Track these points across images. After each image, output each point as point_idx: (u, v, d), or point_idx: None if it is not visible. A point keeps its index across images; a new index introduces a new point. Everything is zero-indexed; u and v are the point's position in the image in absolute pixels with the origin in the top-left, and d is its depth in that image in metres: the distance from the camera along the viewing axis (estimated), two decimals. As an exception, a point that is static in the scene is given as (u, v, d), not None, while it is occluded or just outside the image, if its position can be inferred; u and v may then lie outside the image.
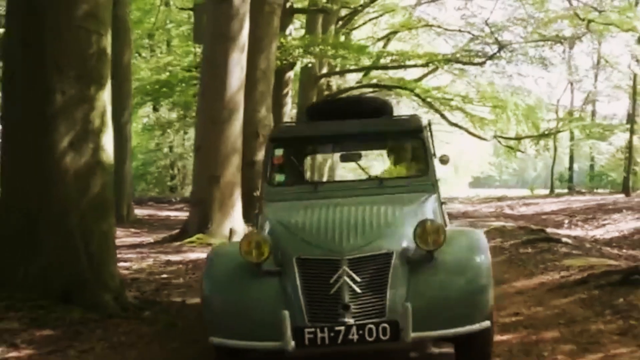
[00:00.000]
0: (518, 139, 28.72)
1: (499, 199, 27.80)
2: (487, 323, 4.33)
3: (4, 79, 6.23)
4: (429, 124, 6.36)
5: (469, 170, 77.20)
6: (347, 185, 6.35)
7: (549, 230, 12.27)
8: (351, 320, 4.08)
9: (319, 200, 5.31)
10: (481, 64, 23.46)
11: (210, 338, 4.38)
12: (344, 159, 7.15)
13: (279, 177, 6.09)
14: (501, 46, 22.22)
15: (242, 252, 4.35)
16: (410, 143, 6.23)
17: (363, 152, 6.80)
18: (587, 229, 13.71)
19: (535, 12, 21.86)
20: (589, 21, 17.20)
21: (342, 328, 4.08)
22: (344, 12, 26.79)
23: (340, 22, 26.93)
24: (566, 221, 14.58)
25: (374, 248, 4.31)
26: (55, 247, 5.84)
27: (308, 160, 8.73)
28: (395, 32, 30.42)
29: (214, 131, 11.35)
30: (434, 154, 5.98)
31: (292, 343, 4.05)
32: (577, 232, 13.18)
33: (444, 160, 6.13)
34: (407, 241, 4.41)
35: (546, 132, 28.12)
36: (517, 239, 10.53)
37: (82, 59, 5.99)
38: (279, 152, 6.04)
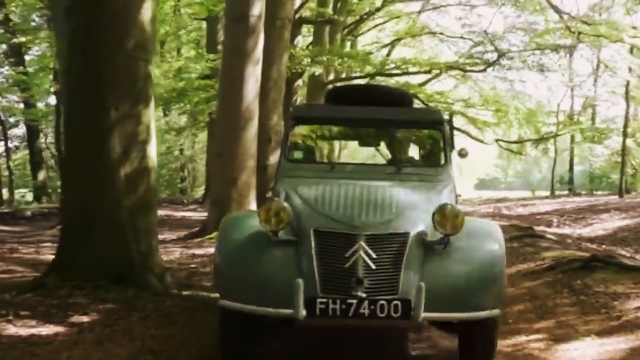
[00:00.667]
0: (517, 142, 29.95)
1: (499, 200, 28.99)
2: (496, 311, 4.45)
3: (68, 97, 7.50)
4: (451, 118, 6.58)
5: (474, 172, 78.21)
6: (364, 168, 6.43)
7: (537, 228, 13.48)
8: (364, 295, 4.17)
9: (337, 178, 5.43)
10: (481, 71, 24.64)
11: (220, 301, 4.47)
12: (362, 143, 7.37)
13: (297, 154, 6.28)
14: (500, 54, 23.35)
15: (261, 219, 4.47)
16: (430, 134, 6.41)
17: (382, 140, 7.03)
18: (575, 227, 14.90)
19: (533, 22, 23.06)
20: (579, 33, 18.41)
21: (355, 301, 4.16)
22: (350, 19, 28.05)
23: (346, 30, 28.13)
24: (555, 220, 15.81)
25: (392, 227, 4.41)
26: (109, 238, 7.09)
27: (326, 141, 9.19)
28: (399, 39, 31.67)
29: (232, 138, 12.58)
30: (453, 147, 6.18)
31: (304, 312, 4.13)
32: (565, 230, 14.38)
33: (462, 154, 6.33)
34: (424, 224, 4.53)
35: (545, 136, 29.26)
36: (506, 235, 11.75)
37: (131, 82, 7.26)
38: (298, 129, 6.25)
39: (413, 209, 4.69)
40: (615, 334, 5.35)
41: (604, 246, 12.04)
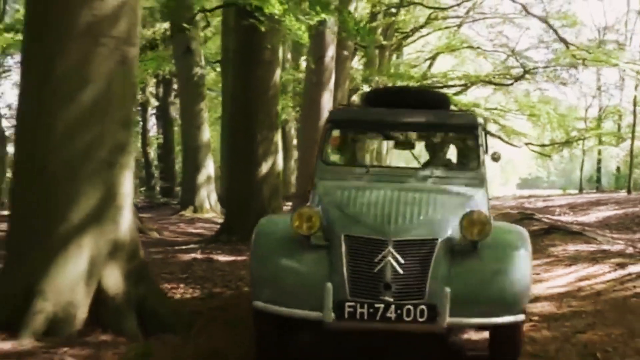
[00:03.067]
0: (545, 145, 34.37)
1: (528, 197, 33.51)
2: (521, 316, 4.64)
3: (230, 124, 12.63)
4: (485, 122, 7.00)
5: (516, 171, 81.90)
6: (399, 171, 6.71)
7: (541, 215, 18.18)
8: (391, 299, 4.39)
9: (370, 182, 5.68)
10: (510, 84, 29.28)
11: (254, 302, 4.73)
12: (397, 146, 7.66)
13: (334, 157, 6.56)
14: (525, 70, 27.98)
15: (294, 224, 4.67)
16: (464, 138, 6.52)
17: (417, 142, 7.32)
18: (574, 216, 19.52)
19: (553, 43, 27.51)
20: (584, 59, 23.00)
21: (382, 305, 4.38)
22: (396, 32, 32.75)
23: (394, 46, 32.90)
24: (558, 210, 20.50)
25: (420, 233, 4.59)
26: (256, 213, 12.12)
27: (362, 144, 9.37)
28: (440, 53, 36.30)
29: (311, 147, 17.63)
30: (486, 151, 6.36)
31: (333, 315, 4.38)
32: (565, 218, 19.03)
33: (495, 158, 6.49)
34: (452, 230, 4.68)
35: (569, 140, 33.67)
36: (512, 218, 16.59)
37: (268, 117, 12.33)
38: (335, 132, 6.45)
39: (443, 214, 4.84)
40: (549, 263, 10.12)
41: (587, 227, 16.71)
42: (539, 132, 37.33)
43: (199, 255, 10.66)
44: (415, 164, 7.37)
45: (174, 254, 10.89)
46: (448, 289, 4.42)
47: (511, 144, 33.64)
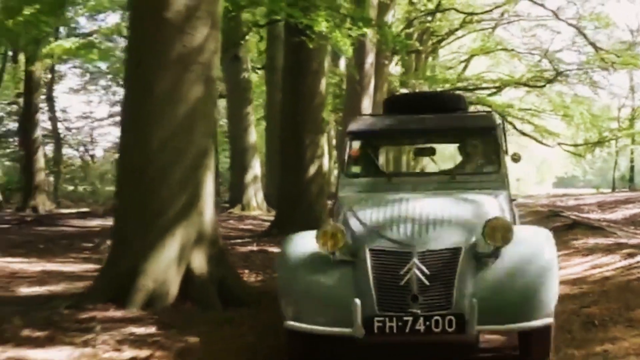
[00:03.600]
0: (577, 145, 35.19)
1: (562, 195, 34.40)
2: (549, 320, 4.63)
3: (282, 130, 13.93)
4: (503, 122, 6.82)
5: (552, 170, 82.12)
6: (420, 179, 6.91)
7: (568, 212, 19.21)
8: (419, 311, 4.42)
9: (392, 192, 5.73)
10: (542, 86, 30.22)
11: (285, 322, 4.77)
12: (418, 153, 7.68)
13: (355, 169, 6.55)
14: (557, 73, 28.92)
15: (319, 241, 4.73)
16: (483, 140, 6.55)
17: (437, 147, 7.34)
18: (602, 214, 20.48)
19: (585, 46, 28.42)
20: (613, 63, 23.93)
21: (410, 318, 4.42)
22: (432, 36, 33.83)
23: (430, 49, 33.98)
24: (586, 208, 21.48)
25: (444, 243, 4.64)
26: (304, 210, 13.39)
27: (382, 152, 9.44)
28: (474, 55, 37.26)
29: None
30: (506, 152, 6.41)
31: (362, 331, 4.44)
32: (593, 215, 20.02)
33: (515, 159, 6.53)
34: (475, 237, 4.69)
35: (600, 140, 34.47)
36: (541, 215, 17.67)
37: (315, 123, 13.59)
38: (355, 144, 6.52)
39: (465, 221, 4.88)
40: (568, 254, 11.22)
41: (612, 224, 17.70)
42: (573, 132, 38.18)
43: (254, 248, 11.98)
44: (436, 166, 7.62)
45: (231, 246, 12.19)
46: (475, 299, 4.44)
47: (544, 144, 34.51)
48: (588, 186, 74.92)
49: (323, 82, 13.63)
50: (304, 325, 4.71)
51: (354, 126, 6.79)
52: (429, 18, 28.23)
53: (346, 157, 6.39)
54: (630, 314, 6.39)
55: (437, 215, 4.88)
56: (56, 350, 5.22)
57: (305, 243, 5.01)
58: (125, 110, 7.33)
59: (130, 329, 5.87)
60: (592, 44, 24.89)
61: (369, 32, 14.10)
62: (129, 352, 5.28)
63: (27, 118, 25.21)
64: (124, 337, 5.62)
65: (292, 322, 4.75)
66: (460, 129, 6.70)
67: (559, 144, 34.89)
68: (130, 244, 6.91)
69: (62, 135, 29.94)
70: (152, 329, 5.95)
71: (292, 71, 13.49)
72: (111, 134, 40.01)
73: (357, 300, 4.47)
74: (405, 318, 4.45)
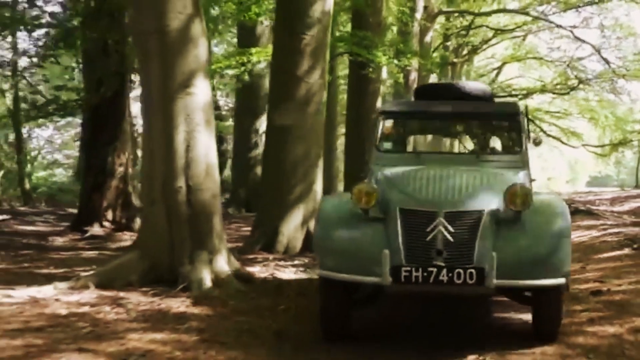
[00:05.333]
0: (600, 146, 38.97)
1: (587, 192, 38.24)
2: (562, 280, 5.20)
3: (347, 137, 18.24)
4: (526, 109, 7.30)
5: (586, 170, 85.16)
6: (447, 156, 7.76)
7: (579, 204, 23.20)
8: (443, 264, 5.01)
9: (421, 164, 6.31)
10: (566, 93, 34.13)
11: (319, 271, 5.47)
12: (445, 135, 8.67)
13: (387, 145, 7.10)
14: (580, 81, 32.79)
15: (354, 198, 5.35)
16: (507, 124, 7.14)
17: (463, 131, 8.05)
18: (611, 207, 24.43)
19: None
20: (624, 75, 27.85)
21: (434, 269, 5.00)
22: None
23: (465, 58, 37.96)
24: (597, 201, 25.50)
25: (468, 205, 5.23)
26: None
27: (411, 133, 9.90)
28: (506, 63, 41.15)
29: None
30: (528, 137, 6.96)
31: (390, 279, 5.02)
32: (601, 207, 23.95)
33: (537, 142, 7.24)
34: (497, 202, 5.30)
35: (622, 141, 38.18)
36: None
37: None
38: (388, 123, 7.05)
39: (488, 189, 5.45)
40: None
41: (616, 214, 21.71)
42: (600, 134, 41.85)
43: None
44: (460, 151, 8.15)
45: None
46: (494, 254, 4.96)
47: (570, 145, 38.37)
48: (623, 185, 77.82)
49: (379, 100, 17.85)
50: (337, 274, 5.32)
51: (386, 106, 7.69)
52: (464, 32, 32.14)
53: (379, 134, 6.93)
54: (585, 257, 10.59)
55: (463, 182, 5.47)
56: (257, 267, 9.46)
57: (341, 201, 5.75)
58: (268, 132, 11.74)
59: (278, 263, 10.15)
60: (605, 59, 28.74)
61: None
62: (285, 273, 9.44)
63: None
64: (278, 266, 9.89)
65: (325, 272, 5.41)
66: (487, 114, 7.25)
67: (583, 145, 38.58)
68: (271, 214, 11.25)
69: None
70: (289, 263, 10.21)
71: (355, 92, 17.74)
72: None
73: (386, 251, 5.05)
74: (430, 269, 5.01)
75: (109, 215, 13.35)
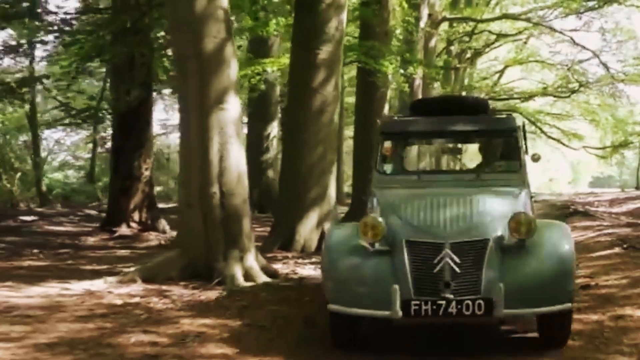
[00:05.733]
0: (601, 148, 39.93)
1: (587, 194, 39.16)
2: (568, 305, 5.35)
3: (354, 139, 19.21)
4: (523, 124, 7.41)
5: (588, 170, 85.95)
6: (447, 176, 7.62)
7: (578, 206, 24.18)
8: (451, 296, 5.10)
9: (423, 188, 6.50)
10: (567, 96, 35.12)
11: (329, 305, 5.51)
12: (444, 152, 9.04)
13: (387, 167, 7.29)
14: (581, 84, 33.76)
15: (360, 232, 5.51)
16: (504, 140, 7.31)
17: (462, 147, 8.24)
18: (609, 208, 25.37)
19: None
20: (622, 80, 28.86)
21: (444, 302, 5.10)
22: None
23: (468, 62, 38.93)
24: (596, 203, 26.48)
25: (473, 235, 5.35)
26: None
27: (411, 152, 10.21)
28: (508, 66, 42.08)
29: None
30: (527, 152, 7.11)
31: (400, 313, 5.12)
32: (600, 208, 24.90)
33: (535, 159, 7.31)
34: (501, 230, 5.43)
35: (622, 143, 39.14)
36: (555, 207, 22.74)
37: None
38: (387, 144, 7.24)
39: (492, 216, 5.56)
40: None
41: (614, 215, 22.69)
42: (601, 135, 42.77)
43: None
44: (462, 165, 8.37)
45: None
46: (501, 285, 5.08)
47: (570, 147, 39.34)
48: (625, 186, 78.50)
49: (386, 106, 18.80)
50: (346, 309, 5.41)
51: (386, 127, 7.78)
52: (467, 38, 33.13)
53: (379, 156, 7.08)
54: (579, 256, 11.55)
55: (467, 211, 5.59)
56: (278, 264, 10.45)
57: (346, 234, 5.86)
58: (285, 139, 12.73)
59: (297, 261, 11.12)
60: (604, 64, 29.77)
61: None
62: (305, 269, 10.31)
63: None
64: (297, 263, 10.86)
65: (334, 306, 5.47)
66: (484, 131, 7.37)
67: (584, 147, 39.54)
68: (288, 216, 12.25)
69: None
70: (307, 261, 11.18)
71: (363, 97, 18.68)
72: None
73: (396, 286, 5.15)
74: (439, 302, 5.12)
75: (136, 216, 14.38)
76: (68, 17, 14.54)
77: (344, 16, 12.66)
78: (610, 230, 14.82)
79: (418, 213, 5.63)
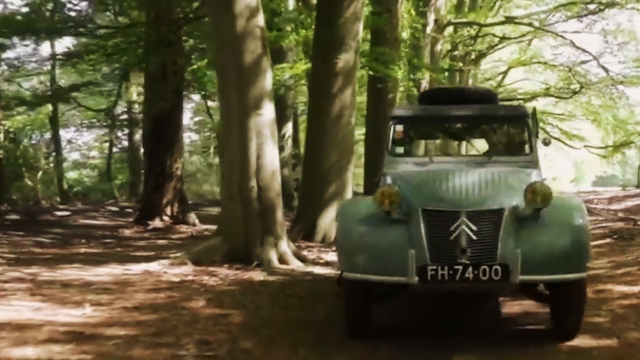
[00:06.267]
0: (602, 147, 41.22)
1: (588, 192, 40.48)
2: (583, 274, 5.38)
3: (366, 141, 20.60)
4: (534, 111, 7.51)
5: (592, 169, 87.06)
6: (459, 159, 7.69)
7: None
8: (467, 261, 5.16)
9: (438, 166, 6.70)
10: (568, 97, 36.43)
11: (344, 274, 5.60)
12: (455, 138, 8.71)
13: (399, 149, 7.48)
14: (582, 86, 35.07)
15: (377, 201, 5.52)
16: (517, 126, 7.48)
17: (472, 134, 8.29)
18: (608, 205, 26.67)
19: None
20: (621, 82, 30.13)
21: (460, 267, 5.16)
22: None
23: (472, 64, 40.22)
24: (596, 200, 27.80)
25: (489, 204, 5.41)
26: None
27: (422, 138, 10.62)
28: (511, 67, 43.33)
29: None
30: (537, 137, 7.22)
31: (416, 278, 5.19)
32: (599, 205, 26.20)
33: (546, 143, 7.53)
34: (517, 200, 5.49)
35: (623, 143, 40.40)
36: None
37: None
38: (399, 127, 7.38)
39: (506, 188, 5.68)
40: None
41: (612, 211, 24.00)
42: (603, 135, 43.96)
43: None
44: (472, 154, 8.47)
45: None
46: (519, 250, 5.15)
47: (572, 147, 40.66)
48: (627, 185, 79.49)
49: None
50: (362, 275, 5.46)
51: (397, 111, 7.84)
52: (471, 41, 34.42)
53: (390, 139, 7.23)
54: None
55: (482, 181, 5.70)
56: (304, 251, 11.75)
57: (361, 205, 6.00)
58: (307, 141, 14.16)
59: (320, 249, 12.48)
60: (604, 67, 31.05)
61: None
62: (328, 256, 11.53)
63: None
64: (321, 251, 12.19)
65: (350, 274, 5.54)
66: (497, 117, 7.58)
67: (585, 146, 40.82)
68: (310, 210, 13.63)
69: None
70: (328, 249, 12.50)
71: (375, 101, 20.03)
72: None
73: (412, 251, 5.20)
74: (455, 267, 5.17)
75: (168, 210, 15.81)
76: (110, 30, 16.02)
77: (360, 28, 14.04)
78: (604, 224, 16.15)
79: (434, 183, 5.77)
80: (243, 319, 6.67)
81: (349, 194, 13.84)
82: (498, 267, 5.18)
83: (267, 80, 10.24)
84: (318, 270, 9.81)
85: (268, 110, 10.23)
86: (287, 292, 8.07)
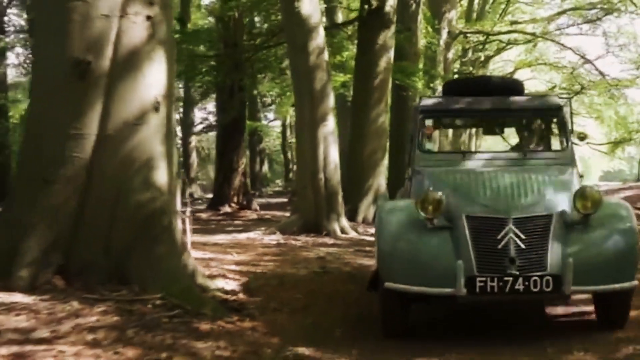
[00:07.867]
0: (603, 144, 44.93)
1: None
2: (635, 282, 5.27)
3: (390, 140, 24.72)
4: (570, 102, 7.41)
5: (599, 164, 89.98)
6: (493, 155, 7.36)
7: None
8: (517, 272, 5.01)
9: (474, 166, 6.49)
10: (570, 97, 40.02)
11: (386, 283, 5.41)
12: (487, 131, 8.78)
13: (429, 145, 7.32)
14: (582, 87, 38.92)
15: (419, 207, 5.41)
16: (550, 119, 7.26)
17: (505, 127, 8.18)
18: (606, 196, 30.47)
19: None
20: (616, 85, 33.95)
21: (510, 278, 5.01)
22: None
23: (481, 66, 43.98)
24: (594, 192, 31.55)
25: (537, 210, 5.32)
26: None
27: (453, 131, 10.74)
28: (518, 69, 46.93)
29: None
30: (572, 131, 7.05)
31: (464, 290, 5.04)
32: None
33: (581, 137, 7.23)
34: (564, 205, 5.40)
35: (624, 139, 44.08)
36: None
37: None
38: (429, 122, 7.20)
39: (552, 191, 5.57)
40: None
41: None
42: (606, 132, 47.45)
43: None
44: (502, 148, 8.20)
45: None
46: (570, 260, 5.07)
47: (575, 144, 44.11)
48: (634, 180, 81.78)
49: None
50: (405, 287, 5.35)
51: (425, 105, 7.47)
52: (480, 46, 38.31)
53: (420, 134, 7.02)
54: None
55: (528, 185, 5.63)
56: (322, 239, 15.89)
57: (401, 210, 5.87)
58: (351, 140, 18.34)
59: (362, 226, 16.49)
60: (600, 72, 34.81)
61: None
62: (371, 229, 15.47)
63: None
64: (364, 226, 16.16)
65: (392, 284, 5.41)
66: (529, 109, 7.31)
67: (587, 142, 44.34)
68: (352, 195, 17.66)
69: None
70: (368, 227, 16.48)
71: (397, 106, 23.93)
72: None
73: (460, 262, 5.12)
74: (505, 278, 5.09)
75: (235, 199, 20.07)
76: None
77: (392, 52, 18.10)
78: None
79: (477, 188, 5.70)
80: (333, 258, 10.78)
81: (383, 181, 17.81)
82: (549, 277, 5.13)
83: (331, 100, 14.38)
84: (368, 238, 13.87)
85: (331, 122, 14.37)
86: (354, 248, 12.21)
